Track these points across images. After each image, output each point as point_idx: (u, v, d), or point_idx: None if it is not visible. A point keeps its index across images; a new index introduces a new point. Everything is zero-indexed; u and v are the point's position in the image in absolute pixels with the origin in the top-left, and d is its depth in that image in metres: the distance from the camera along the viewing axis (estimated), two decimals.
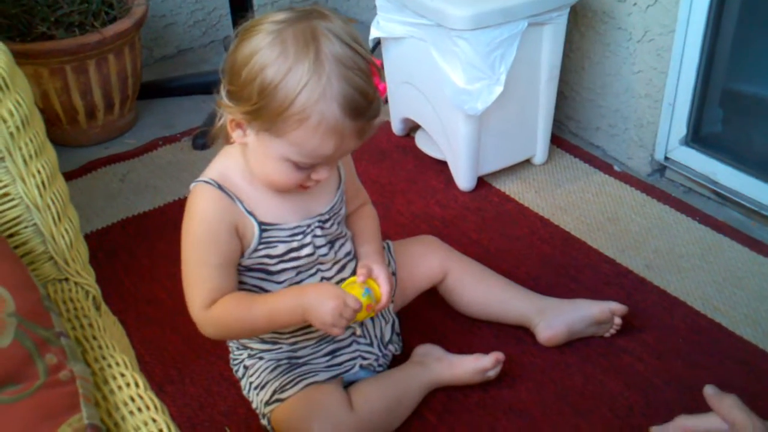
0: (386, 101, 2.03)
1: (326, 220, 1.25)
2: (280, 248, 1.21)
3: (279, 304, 1.18)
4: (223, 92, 1.11)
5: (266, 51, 1.03)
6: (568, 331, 1.44)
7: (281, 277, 1.23)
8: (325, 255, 1.26)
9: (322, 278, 1.27)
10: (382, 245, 1.38)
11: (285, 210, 1.20)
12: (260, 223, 1.18)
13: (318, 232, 1.24)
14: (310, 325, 1.28)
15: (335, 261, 1.28)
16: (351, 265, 1.31)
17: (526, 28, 1.69)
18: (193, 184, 1.19)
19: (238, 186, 1.17)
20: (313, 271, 1.26)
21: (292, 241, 1.22)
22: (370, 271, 1.26)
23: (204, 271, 1.17)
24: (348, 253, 1.30)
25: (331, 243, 1.27)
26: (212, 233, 1.15)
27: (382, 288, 1.25)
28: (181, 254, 1.19)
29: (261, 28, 1.05)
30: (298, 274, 1.24)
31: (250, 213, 1.17)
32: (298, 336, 1.30)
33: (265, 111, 1.04)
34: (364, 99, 1.05)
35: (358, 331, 1.35)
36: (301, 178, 1.13)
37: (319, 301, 1.15)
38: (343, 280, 1.29)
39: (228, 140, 1.17)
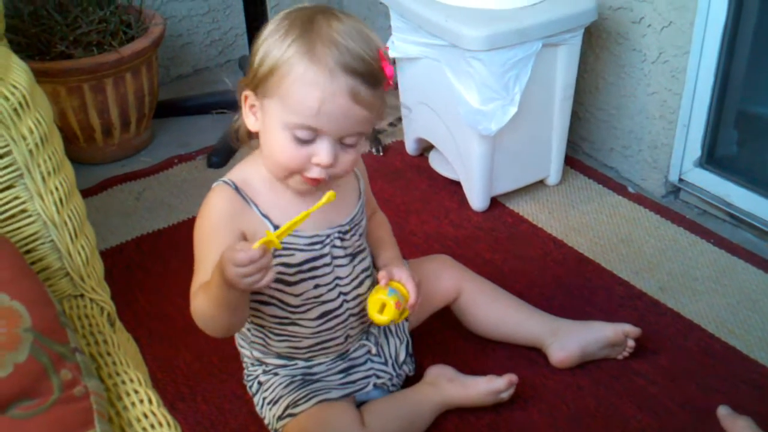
0: (396, 87, 1.99)
1: (346, 232, 1.25)
2: (298, 257, 1.21)
3: (210, 277, 1.13)
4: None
5: (269, 28, 1.13)
6: (582, 353, 1.44)
7: (299, 289, 1.23)
8: (343, 267, 1.26)
9: (340, 293, 1.27)
10: (399, 251, 1.38)
11: (306, 220, 1.19)
12: (276, 227, 1.17)
13: (337, 243, 1.24)
14: (327, 342, 1.29)
15: (354, 276, 1.28)
16: (368, 282, 1.31)
17: (541, 49, 1.70)
18: (215, 184, 1.21)
19: (256, 190, 1.19)
20: (332, 285, 1.26)
21: (311, 250, 1.22)
22: (391, 274, 1.27)
23: (203, 268, 1.17)
24: (365, 269, 1.31)
25: (352, 256, 1.27)
26: (215, 231, 1.17)
27: (408, 286, 1.26)
28: (194, 247, 1.21)
29: (274, 19, 1.15)
30: (316, 287, 1.24)
31: (265, 215, 1.18)
32: (315, 350, 1.30)
33: (262, 72, 1.11)
34: (352, 55, 1.08)
35: (374, 350, 1.35)
36: (302, 156, 1.11)
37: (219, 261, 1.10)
38: (359, 295, 1.29)
39: (246, 139, 1.20)
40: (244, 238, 1.17)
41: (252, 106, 1.15)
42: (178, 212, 1.90)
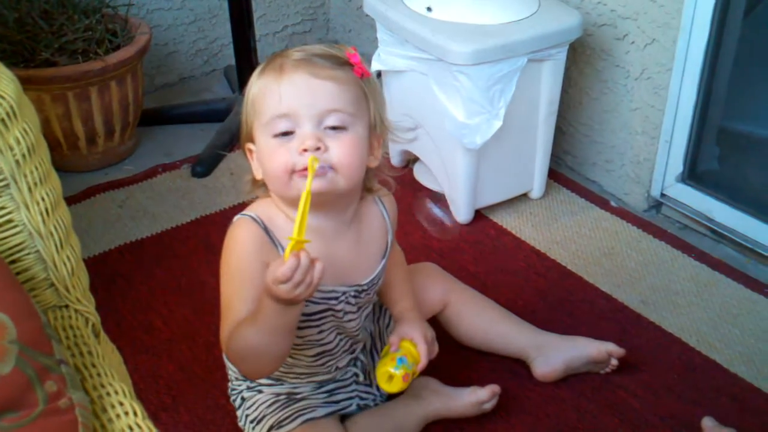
0: (378, 76, 2.00)
1: (362, 291, 1.24)
2: (311, 308, 1.19)
3: (258, 309, 1.09)
4: None
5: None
6: (565, 369, 1.45)
7: (303, 333, 1.21)
8: (352, 321, 1.25)
9: (338, 336, 1.26)
10: (414, 297, 1.36)
11: (325, 272, 1.12)
12: None
13: (351, 300, 1.23)
14: (316, 373, 1.29)
15: (357, 327, 1.27)
16: (365, 323, 1.30)
17: (526, 64, 1.71)
18: (237, 217, 1.17)
19: (283, 233, 1.14)
20: (334, 333, 1.25)
21: (324, 304, 1.20)
22: (403, 335, 1.27)
23: (236, 305, 1.12)
24: (368, 315, 1.30)
25: (360, 308, 1.26)
26: (249, 269, 1.12)
27: (419, 348, 1.25)
28: (220, 285, 1.17)
29: None
30: (320, 332, 1.23)
31: None
32: (303, 378, 1.29)
33: (246, 116, 1.15)
34: (305, 50, 1.11)
35: (361, 377, 1.34)
36: (290, 150, 1.08)
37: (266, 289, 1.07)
38: (355, 339, 1.29)
39: (255, 185, 1.19)
40: None
41: (250, 151, 1.16)
42: (162, 221, 1.90)
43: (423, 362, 1.26)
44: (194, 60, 2.54)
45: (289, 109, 1.08)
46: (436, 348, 1.31)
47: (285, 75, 1.09)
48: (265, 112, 1.10)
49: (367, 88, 1.14)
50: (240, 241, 1.15)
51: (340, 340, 1.27)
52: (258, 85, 1.12)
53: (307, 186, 1.02)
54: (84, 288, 0.97)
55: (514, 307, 1.59)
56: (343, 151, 1.09)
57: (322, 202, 1.12)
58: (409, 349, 1.26)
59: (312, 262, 1.01)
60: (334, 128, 1.09)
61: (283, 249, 1.13)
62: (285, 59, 1.10)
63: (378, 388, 1.36)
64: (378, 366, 1.28)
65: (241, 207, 1.22)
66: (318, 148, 1.07)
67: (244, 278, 1.13)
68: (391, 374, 1.25)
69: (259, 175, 1.16)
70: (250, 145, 1.16)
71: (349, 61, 1.12)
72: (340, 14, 2.69)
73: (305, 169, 1.07)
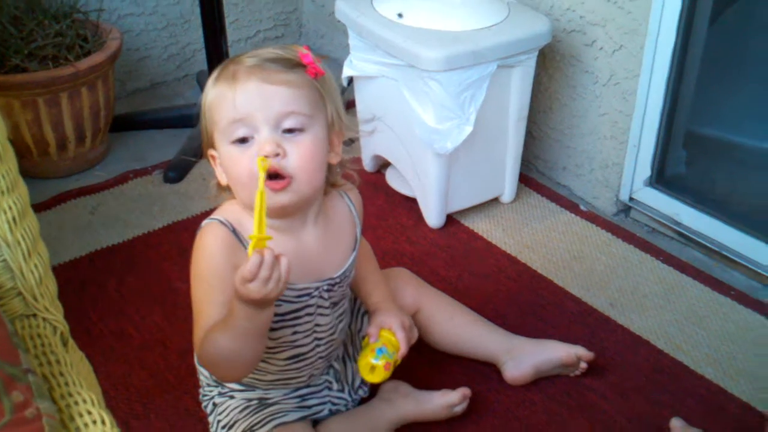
0: (350, 82, 2.00)
1: (335, 284, 1.24)
2: (284, 307, 1.19)
3: (229, 313, 1.09)
4: None
5: None
6: (535, 372, 1.46)
7: (276, 334, 1.21)
8: (325, 316, 1.25)
9: (315, 338, 1.26)
10: (388, 288, 1.38)
11: (296, 270, 1.13)
12: None
13: (324, 295, 1.23)
14: (290, 378, 1.29)
15: (332, 324, 1.27)
16: (341, 326, 1.31)
17: (496, 70, 1.73)
18: (205, 222, 1.17)
19: (249, 232, 1.14)
20: (309, 332, 1.25)
21: (297, 302, 1.20)
22: (381, 325, 1.28)
23: (207, 309, 1.13)
24: (342, 314, 1.30)
25: (334, 304, 1.26)
26: (218, 272, 1.12)
27: (397, 335, 1.27)
28: (191, 290, 1.17)
29: None
30: (294, 333, 1.23)
31: None
32: (276, 384, 1.30)
33: (205, 125, 1.15)
34: (256, 56, 1.11)
35: (335, 386, 1.34)
36: (249, 157, 1.08)
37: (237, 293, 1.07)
38: (332, 341, 1.30)
39: (221, 189, 1.19)
40: None
41: (213, 157, 1.16)
42: (133, 227, 1.89)
43: (403, 349, 1.27)
44: (166, 65, 2.53)
45: (244, 114, 1.08)
46: (415, 334, 1.33)
47: (238, 83, 1.09)
48: (222, 119, 1.10)
49: (322, 87, 1.14)
50: (209, 246, 1.15)
51: (317, 345, 1.27)
52: (212, 93, 1.12)
53: (259, 185, 1.02)
54: (52, 296, 0.97)
55: (485, 311, 1.60)
56: (302, 154, 1.10)
57: (289, 211, 1.14)
58: (388, 338, 1.27)
59: (277, 257, 1.01)
60: (291, 131, 1.09)
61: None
62: (238, 66, 1.10)
63: (351, 394, 1.36)
64: (359, 358, 1.29)
65: (212, 213, 1.22)
66: (277, 154, 1.08)
67: (214, 282, 1.13)
68: (372, 365, 1.26)
69: (223, 181, 1.17)
70: (212, 152, 1.17)
71: (301, 62, 1.12)
72: (312, 20, 2.70)
73: (267, 176, 1.07)
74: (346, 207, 1.28)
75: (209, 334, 1.11)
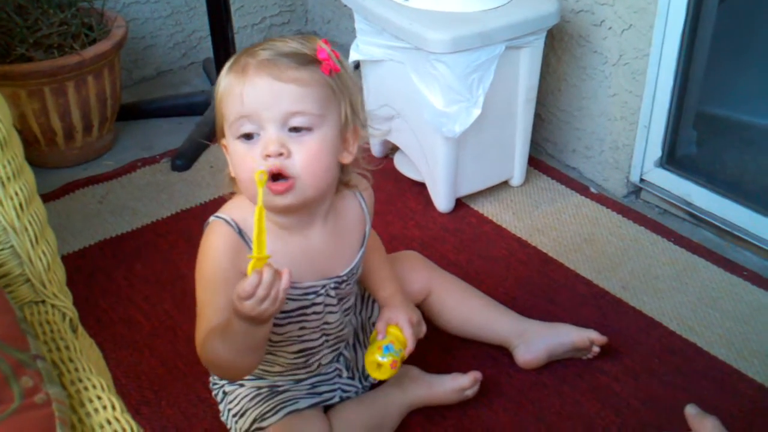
0: (357, 66, 1.97)
1: (342, 282, 1.23)
2: (291, 305, 1.18)
3: (227, 325, 1.08)
4: None
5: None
6: (548, 356, 1.45)
7: (284, 330, 1.21)
8: (333, 314, 1.24)
9: (323, 334, 1.25)
10: (398, 281, 1.36)
11: (303, 268, 1.14)
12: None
13: (332, 293, 1.22)
14: (299, 369, 1.28)
15: (340, 320, 1.27)
16: (347, 319, 1.30)
17: (504, 52, 1.71)
18: (211, 219, 1.15)
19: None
20: (317, 328, 1.24)
21: (304, 300, 1.19)
22: (389, 321, 1.27)
23: (209, 313, 1.12)
24: (349, 308, 1.29)
25: (341, 300, 1.25)
26: (222, 276, 1.11)
27: (405, 332, 1.26)
28: (195, 289, 1.15)
29: None
30: (301, 329, 1.22)
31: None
32: (285, 374, 1.29)
33: (218, 109, 1.12)
34: (269, 49, 1.08)
35: (344, 373, 1.34)
36: (254, 155, 1.06)
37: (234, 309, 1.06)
38: (340, 337, 1.29)
39: (234, 180, 1.16)
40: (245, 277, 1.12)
41: (225, 146, 1.14)
42: (142, 216, 1.89)
43: (410, 346, 1.26)
44: (172, 53, 2.52)
45: (251, 111, 1.06)
46: (423, 329, 1.32)
47: (247, 77, 1.06)
48: (230, 113, 1.08)
49: (336, 85, 1.10)
50: (213, 248, 1.13)
51: (325, 340, 1.27)
52: (223, 83, 1.10)
53: (258, 203, 0.99)
54: (60, 283, 0.96)
55: (496, 295, 1.59)
56: (308, 155, 1.06)
57: (294, 211, 1.12)
58: (395, 335, 1.27)
59: (278, 275, 0.99)
60: (298, 130, 1.06)
61: None
62: (250, 59, 1.07)
63: (361, 381, 1.36)
64: (366, 355, 1.28)
65: (221, 201, 1.21)
66: (281, 154, 1.05)
67: (216, 286, 1.11)
68: (379, 363, 1.26)
69: (234, 173, 1.15)
70: (224, 141, 1.14)
71: (317, 58, 1.09)
72: (318, 5, 2.68)
73: (270, 176, 1.05)
74: (358, 205, 1.25)
75: (208, 339, 1.10)
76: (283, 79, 1.05)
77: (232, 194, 1.19)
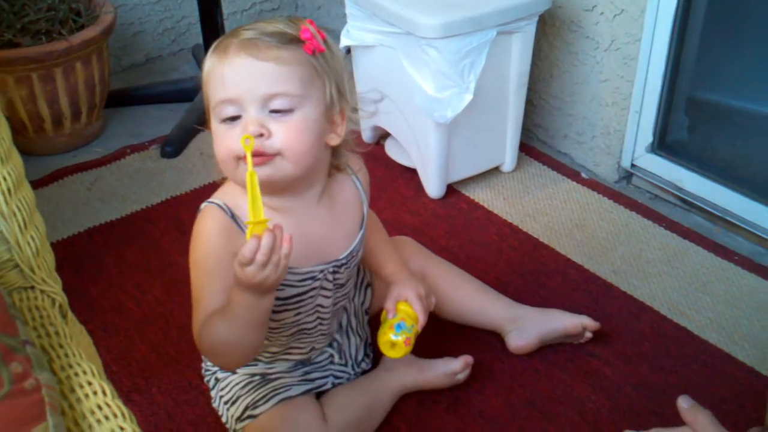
0: (349, 51, 1.96)
1: (341, 266, 1.22)
2: (288, 291, 1.17)
3: (229, 302, 1.07)
4: None
5: None
6: (540, 342, 1.46)
7: (279, 316, 1.20)
8: (327, 299, 1.23)
9: (318, 317, 1.25)
10: (399, 258, 1.35)
11: (300, 253, 1.10)
12: None
13: (329, 277, 1.21)
14: (291, 350, 1.27)
15: (334, 303, 1.26)
16: (342, 303, 1.30)
17: (495, 37, 1.71)
18: (204, 205, 1.14)
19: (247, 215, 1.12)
20: (312, 311, 1.23)
21: (301, 286, 1.18)
22: (398, 297, 1.25)
23: (206, 298, 1.10)
24: (345, 294, 1.29)
25: (339, 286, 1.24)
26: (216, 259, 1.10)
27: (415, 307, 1.24)
28: (190, 277, 1.14)
29: None
30: (297, 314, 1.22)
31: None
32: (277, 357, 1.29)
33: (204, 92, 1.12)
34: (251, 29, 1.07)
35: (336, 358, 1.33)
36: (234, 135, 1.05)
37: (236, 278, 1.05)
38: (335, 317, 1.28)
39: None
40: None
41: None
42: (131, 203, 1.88)
43: (421, 320, 1.25)
44: (161, 39, 2.50)
45: (231, 94, 1.05)
46: (433, 301, 1.30)
47: (227, 58, 1.05)
48: (212, 96, 1.08)
49: (319, 65, 1.09)
50: (206, 232, 1.12)
51: (320, 323, 1.26)
52: (207, 65, 1.09)
53: (248, 167, 0.99)
54: (50, 268, 0.96)
55: (487, 280, 1.59)
56: (288, 135, 1.05)
57: (276, 188, 1.10)
58: (406, 311, 1.25)
59: (280, 239, 0.99)
60: (278, 111, 1.05)
61: None
62: (232, 39, 1.07)
63: (353, 367, 1.36)
64: (378, 336, 1.26)
65: (211, 187, 1.20)
66: (261, 135, 1.04)
67: (212, 270, 1.10)
68: (393, 342, 1.24)
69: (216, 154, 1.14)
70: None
71: (299, 37, 1.08)
72: None
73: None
74: (353, 185, 1.25)
75: (208, 323, 1.09)
76: (262, 58, 1.05)
77: (224, 179, 1.18)
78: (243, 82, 1.05)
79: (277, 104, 1.05)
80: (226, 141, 1.07)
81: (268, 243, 0.98)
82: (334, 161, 1.19)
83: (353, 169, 1.25)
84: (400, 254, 1.43)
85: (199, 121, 2.06)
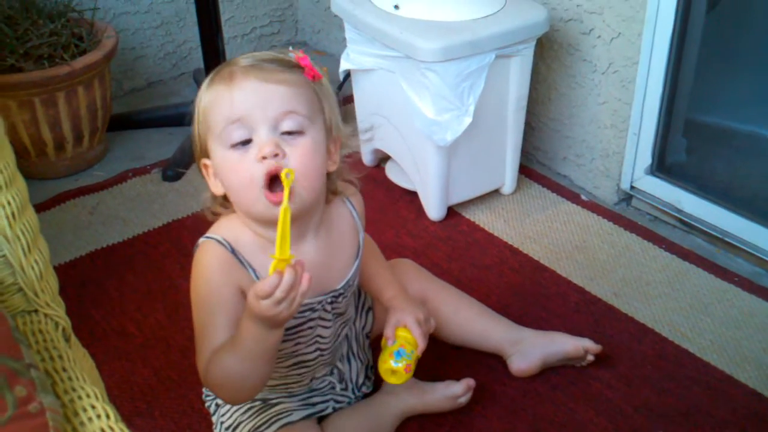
0: (348, 75, 1.97)
1: (339, 296, 1.22)
2: (287, 323, 1.15)
3: (237, 335, 1.07)
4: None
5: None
6: (542, 365, 1.46)
7: (280, 346, 1.17)
8: (327, 329, 1.23)
9: (318, 348, 1.25)
10: (398, 282, 1.34)
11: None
12: None
13: (328, 308, 1.21)
14: (292, 383, 1.27)
15: (335, 333, 1.26)
16: (344, 332, 1.30)
17: (494, 60, 1.72)
18: (201, 240, 1.14)
19: (252, 253, 1.12)
20: (312, 342, 1.23)
21: (300, 317, 1.18)
22: (395, 325, 1.25)
23: (211, 333, 1.09)
24: (345, 322, 1.29)
25: (337, 315, 1.24)
26: (218, 294, 1.10)
27: (414, 333, 1.24)
28: (192, 312, 1.14)
29: None
30: (296, 344, 1.21)
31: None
32: (278, 389, 1.28)
33: (199, 130, 1.11)
34: (252, 57, 1.08)
35: (338, 387, 1.33)
36: (249, 160, 1.04)
37: (248, 309, 1.05)
38: (334, 351, 1.28)
39: (215, 201, 1.16)
40: (243, 293, 1.09)
41: (206, 166, 1.12)
42: (133, 226, 1.88)
43: (421, 345, 1.24)
44: (162, 64, 2.52)
45: (242, 114, 1.04)
46: (432, 324, 1.30)
47: (235, 82, 1.05)
48: (218, 122, 1.06)
49: (319, 91, 1.11)
50: (207, 267, 1.11)
51: (320, 355, 1.26)
52: (208, 95, 1.08)
53: (284, 202, 0.99)
54: (53, 292, 0.96)
55: (488, 302, 1.59)
56: (302, 158, 1.05)
57: (294, 219, 1.08)
58: (405, 338, 1.25)
59: (299, 278, 0.98)
60: (290, 133, 1.06)
61: (253, 270, 1.12)
62: (234, 67, 1.07)
63: (354, 391, 1.36)
64: (379, 363, 1.26)
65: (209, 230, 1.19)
66: (276, 154, 1.04)
67: (214, 305, 1.10)
68: (393, 370, 1.24)
69: (219, 191, 1.13)
70: (205, 161, 1.12)
71: (299, 64, 1.09)
72: (308, 15, 2.69)
73: (270, 180, 1.04)
74: (348, 213, 1.25)
75: (215, 357, 1.08)
76: (272, 80, 1.06)
77: (214, 214, 1.17)
78: (254, 101, 1.05)
79: (288, 125, 1.06)
80: (242, 169, 1.05)
81: (290, 281, 0.97)
82: (330, 187, 1.19)
83: (348, 194, 1.25)
84: (401, 277, 1.43)
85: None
